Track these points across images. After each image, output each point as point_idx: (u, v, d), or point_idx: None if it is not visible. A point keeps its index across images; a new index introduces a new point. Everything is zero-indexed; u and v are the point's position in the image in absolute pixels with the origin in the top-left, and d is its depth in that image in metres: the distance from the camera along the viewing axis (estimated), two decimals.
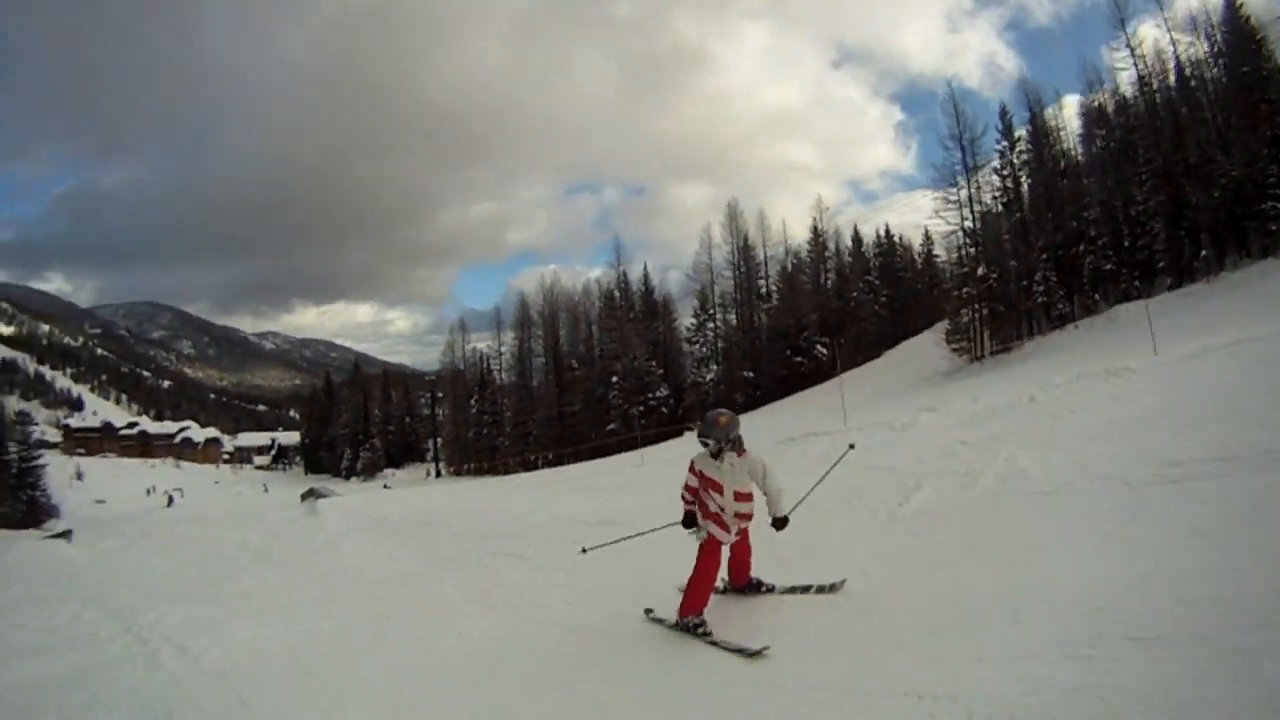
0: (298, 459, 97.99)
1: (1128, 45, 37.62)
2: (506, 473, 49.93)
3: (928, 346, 41.78)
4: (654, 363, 51.07)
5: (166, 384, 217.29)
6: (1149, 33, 37.56)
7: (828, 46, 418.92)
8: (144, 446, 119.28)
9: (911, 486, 7.95)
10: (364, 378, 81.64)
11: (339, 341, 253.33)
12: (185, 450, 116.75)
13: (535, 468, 47.83)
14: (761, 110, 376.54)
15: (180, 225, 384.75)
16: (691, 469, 5.46)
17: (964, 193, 41.03)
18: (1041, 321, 37.09)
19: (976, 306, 38.84)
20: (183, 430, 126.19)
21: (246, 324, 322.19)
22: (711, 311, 53.96)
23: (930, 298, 53.14)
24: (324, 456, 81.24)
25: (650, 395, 48.94)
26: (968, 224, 41.04)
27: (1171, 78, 36.90)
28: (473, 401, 62.21)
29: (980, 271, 38.67)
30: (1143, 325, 18.76)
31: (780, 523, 5.31)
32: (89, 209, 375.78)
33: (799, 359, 48.83)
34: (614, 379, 50.27)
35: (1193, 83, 35.92)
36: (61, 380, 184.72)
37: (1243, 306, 20.94)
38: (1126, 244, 35.18)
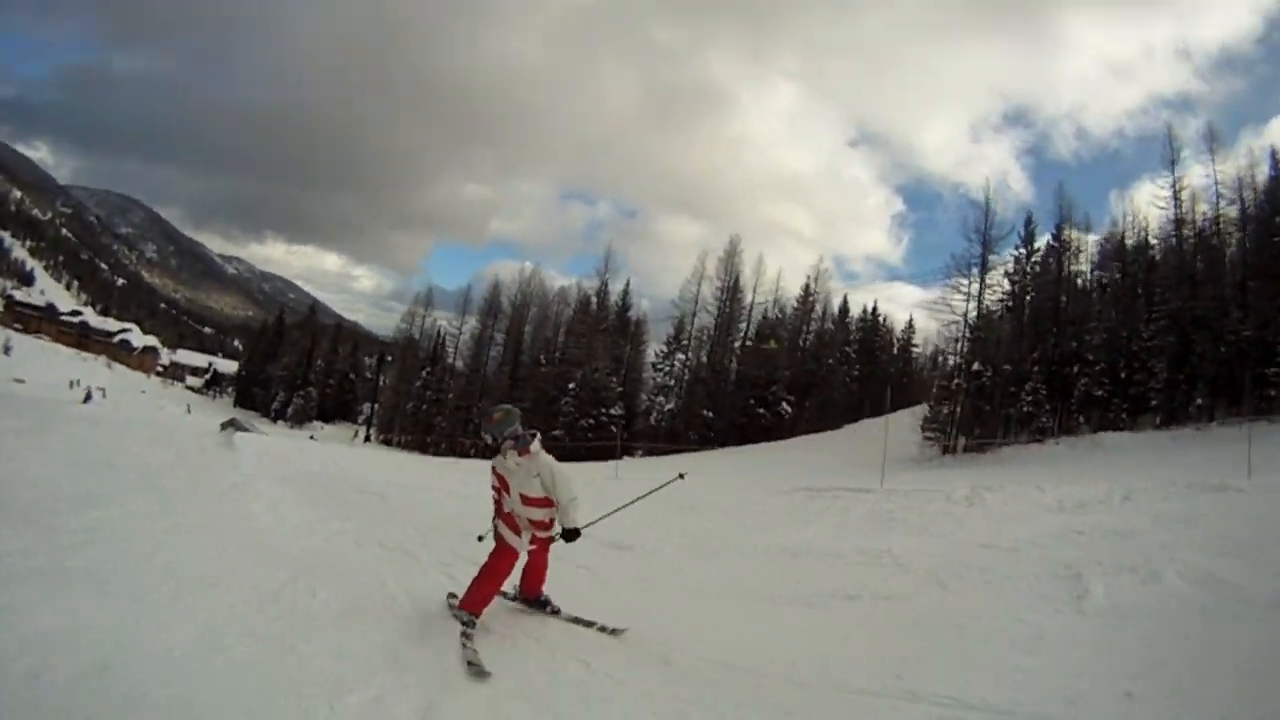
0: (230, 389, 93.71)
1: (1173, 187, 37.83)
2: (437, 453, 48.23)
3: (891, 429, 40.74)
4: (615, 379, 49.15)
5: (121, 281, 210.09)
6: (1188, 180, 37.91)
7: (849, 124, 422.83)
8: (82, 338, 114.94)
9: (1069, 574, 6.84)
10: (316, 324, 78.30)
11: (300, 284, 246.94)
12: (122, 352, 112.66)
13: (467, 455, 45.94)
14: (770, 168, 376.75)
15: (177, 125, 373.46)
16: (492, 469, 5.42)
17: (974, 286, 41.42)
18: (1017, 431, 36.70)
19: (962, 400, 38.39)
20: (124, 331, 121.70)
21: (215, 243, 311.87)
22: (685, 343, 52.24)
23: (900, 384, 52.31)
24: (257, 393, 77.70)
25: (603, 411, 46.98)
26: (971, 316, 41.16)
27: (1192, 227, 37.33)
28: (423, 374, 59.94)
29: (975, 366, 38.32)
30: (1129, 454, 18.53)
31: (569, 534, 5.15)
32: (93, 87, 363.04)
33: (762, 411, 47.63)
34: (570, 385, 48.22)
35: (1215, 240, 36.37)
36: (18, 250, 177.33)
37: (1234, 456, 20.30)
38: (1123, 375, 35.17)
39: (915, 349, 59.17)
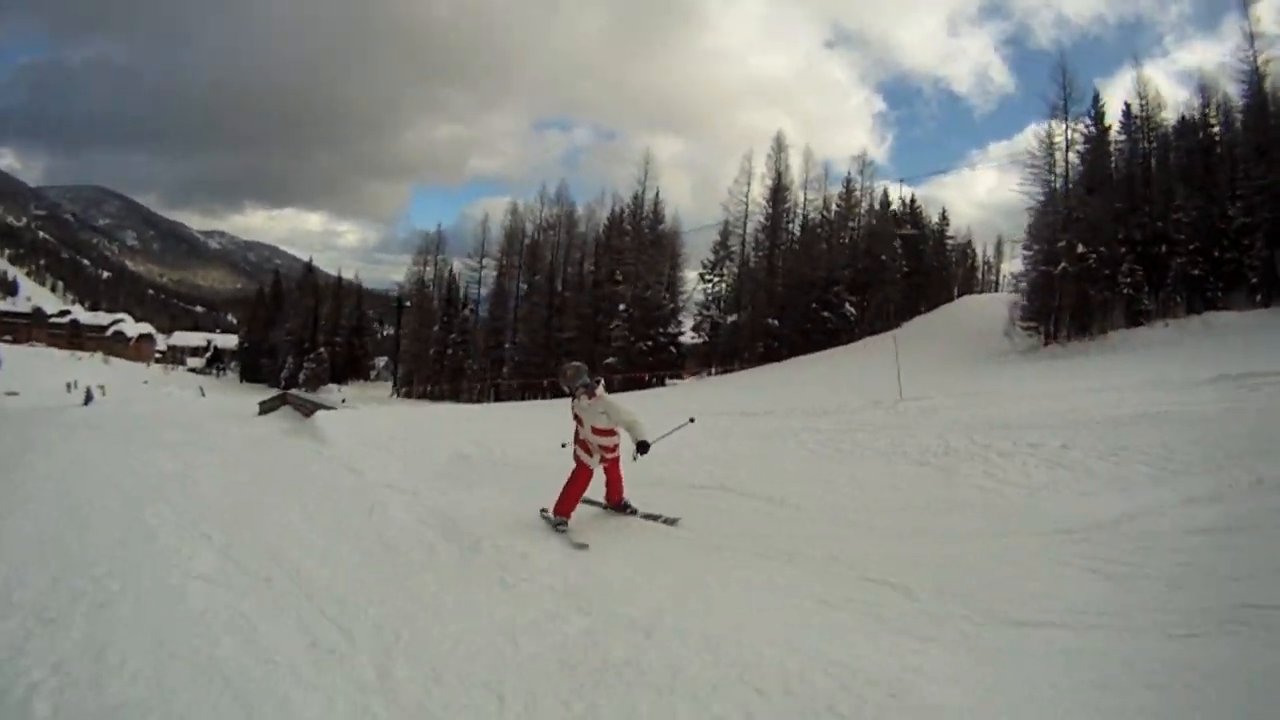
0: (233, 364, 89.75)
1: (1250, 35, 33.47)
2: (476, 400, 44.11)
3: (967, 322, 40.16)
4: (667, 295, 44.13)
5: (106, 275, 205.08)
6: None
7: (825, 25, 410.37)
8: (74, 337, 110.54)
9: None
10: (314, 283, 72.78)
11: (285, 249, 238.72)
12: (117, 345, 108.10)
13: (511, 397, 41.61)
14: (747, 76, 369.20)
15: (142, 109, 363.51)
16: (571, 409, 6.90)
17: (1059, 165, 37.47)
18: (1117, 315, 33.72)
19: (1062, 285, 34.80)
20: (116, 323, 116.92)
21: (195, 221, 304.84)
22: (734, 249, 47.05)
23: (940, 277, 52.55)
24: (264, 364, 73.31)
25: (661, 331, 42.17)
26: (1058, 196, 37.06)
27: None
28: (442, 319, 55.26)
29: (1080, 249, 34.32)
30: (1243, 333, 19.11)
31: (642, 447, 6.44)
32: (52, 84, 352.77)
33: (826, 314, 42.94)
34: (622, 307, 43.18)
35: None
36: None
37: None
38: (1216, 254, 32.89)
39: (951, 239, 56.54)
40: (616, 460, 6.83)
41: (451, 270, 58.02)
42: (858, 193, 48.97)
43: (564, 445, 7.07)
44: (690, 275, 48.18)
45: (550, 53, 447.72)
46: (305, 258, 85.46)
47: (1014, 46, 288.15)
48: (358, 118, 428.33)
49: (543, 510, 6.80)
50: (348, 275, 75.14)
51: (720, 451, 9.73)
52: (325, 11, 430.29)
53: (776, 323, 42.74)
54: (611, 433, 6.64)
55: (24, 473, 9.62)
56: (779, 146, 47.51)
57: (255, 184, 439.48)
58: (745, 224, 47.22)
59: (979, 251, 64.42)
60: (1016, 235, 42.50)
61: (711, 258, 47.10)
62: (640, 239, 47.32)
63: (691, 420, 7.73)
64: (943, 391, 14.53)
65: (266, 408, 19.48)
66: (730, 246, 47.07)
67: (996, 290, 58.03)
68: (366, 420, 15.80)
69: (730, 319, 44.08)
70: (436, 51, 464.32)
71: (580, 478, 6.66)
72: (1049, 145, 37.25)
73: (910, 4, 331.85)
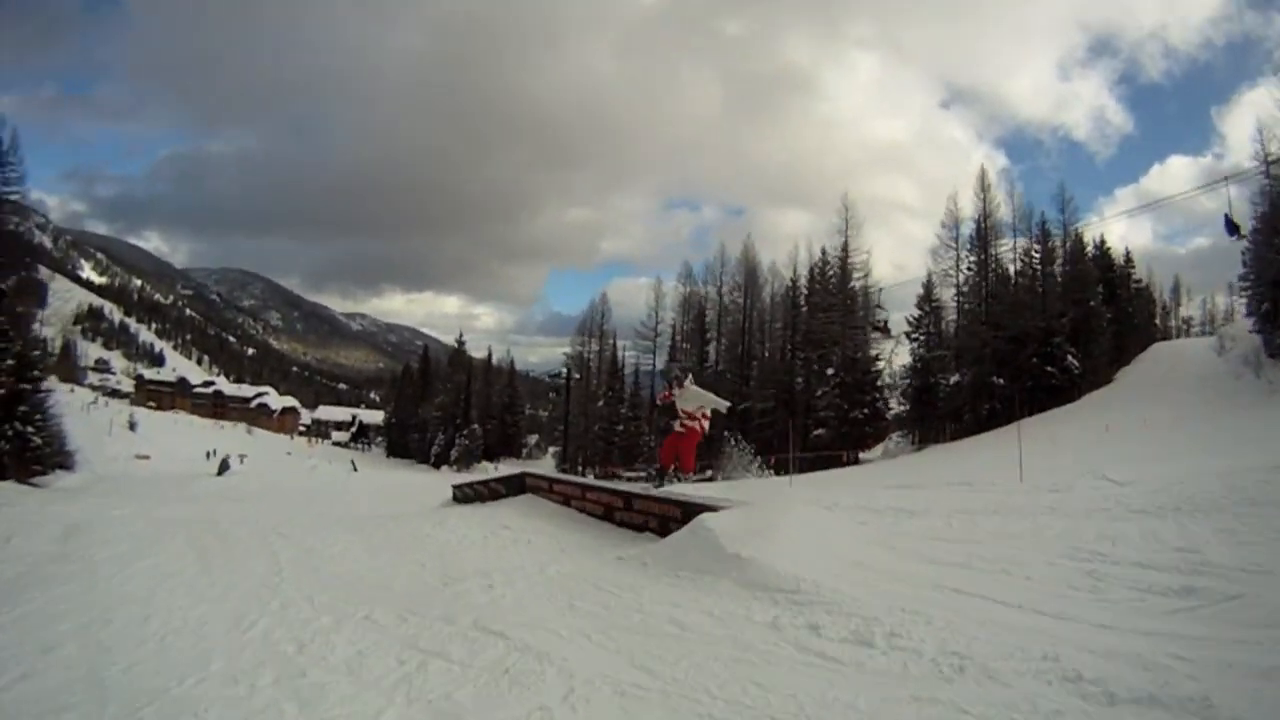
0: (379, 439, 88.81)
1: None
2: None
3: (1178, 369, 35.81)
4: (878, 356, 39.62)
5: (251, 351, 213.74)
6: None
7: (937, 85, 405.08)
8: (217, 407, 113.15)
9: None
10: (466, 360, 71.05)
11: (425, 330, 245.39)
12: (261, 416, 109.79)
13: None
14: (866, 143, 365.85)
15: (281, 198, 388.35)
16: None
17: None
18: None
19: None
20: (260, 395, 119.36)
21: (335, 302, 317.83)
22: (937, 302, 42.13)
23: (1141, 323, 47.88)
24: (412, 440, 71.78)
25: (870, 396, 37.60)
26: None
27: None
28: (605, 394, 52.03)
29: None
30: None
31: (730, 411, 10.09)
32: (193, 173, 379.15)
33: (1050, 369, 37.62)
34: (830, 371, 38.83)
35: None
36: (145, 334, 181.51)
37: None
38: None
39: (1137, 284, 50.51)
40: (693, 436, 9.38)
41: (615, 345, 55.26)
42: (1056, 235, 42.95)
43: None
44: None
45: (670, 132, 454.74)
46: (445, 339, 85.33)
47: (1127, 85, 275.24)
48: (489, 203, 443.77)
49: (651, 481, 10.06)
50: (483, 354, 73.55)
51: None
52: (451, 104, 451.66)
53: (1002, 381, 37.35)
54: (692, 416, 9.33)
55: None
56: (983, 186, 42.29)
57: (392, 268, 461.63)
58: (957, 272, 42.10)
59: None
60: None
61: (916, 313, 42.16)
62: (847, 295, 42.87)
63: None
64: None
65: (476, 494, 13.73)
66: (931, 301, 42.07)
67: (1187, 335, 54.60)
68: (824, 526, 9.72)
69: (953, 379, 38.91)
70: (560, 137, 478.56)
71: (668, 443, 9.78)
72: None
73: (1018, 52, 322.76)
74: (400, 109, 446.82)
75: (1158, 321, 57.83)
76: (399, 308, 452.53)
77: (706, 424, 9.59)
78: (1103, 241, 45.73)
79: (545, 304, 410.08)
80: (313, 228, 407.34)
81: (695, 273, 50.67)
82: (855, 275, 42.98)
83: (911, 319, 41.86)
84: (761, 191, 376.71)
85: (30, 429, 23.80)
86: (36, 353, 31.24)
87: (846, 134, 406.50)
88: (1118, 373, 39.66)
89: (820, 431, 37.82)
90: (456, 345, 71.19)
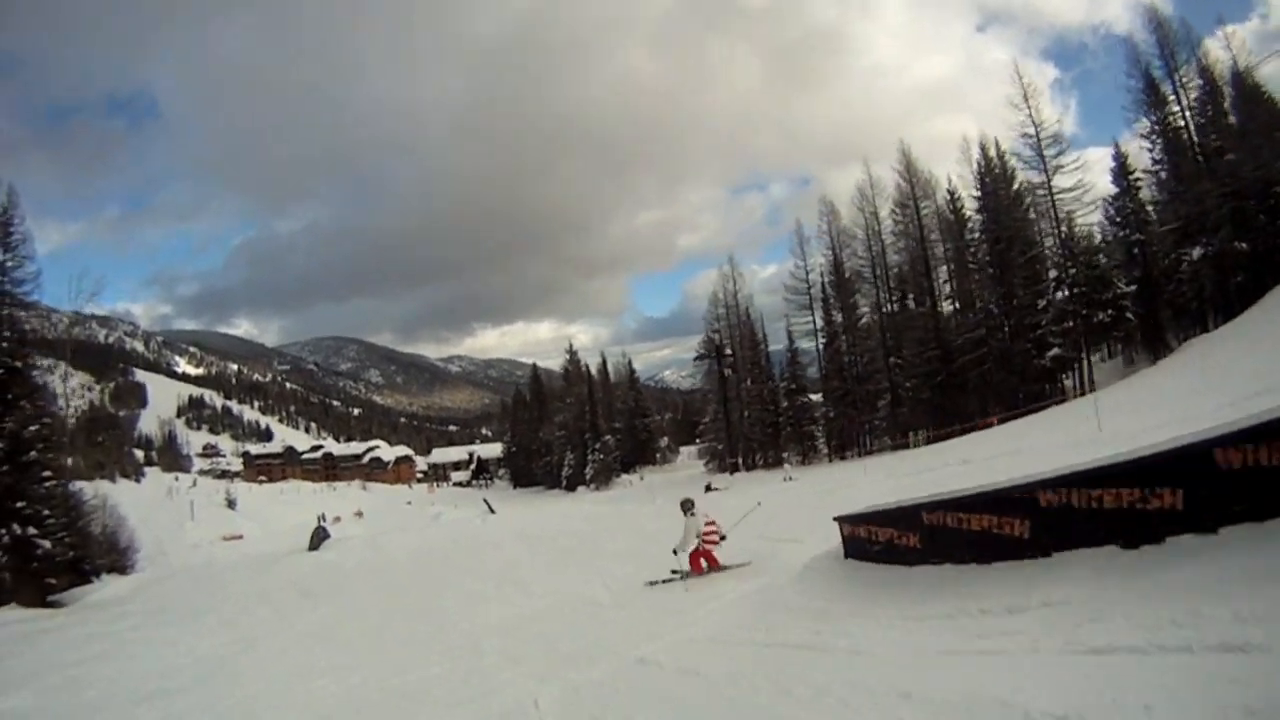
0: (501, 472, 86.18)
1: None
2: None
3: None
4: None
5: (356, 411, 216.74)
6: None
7: (969, 10, 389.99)
8: (329, 469, 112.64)
9: None
10: (583, 367, 66.67)
11: (523, 360, 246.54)
12: (375, 470, 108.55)
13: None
14: (912, 85, 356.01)
15: (356, 261, 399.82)
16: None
17: None
18: None
19: None
20: (371, 450, 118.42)
21: (430, 350, 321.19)
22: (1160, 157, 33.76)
23: None
24: (537, 466, 68.25)
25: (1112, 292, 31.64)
26: None
27: None
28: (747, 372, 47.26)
29: None
30: None
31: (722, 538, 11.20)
32: (268, 255, 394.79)
33: None
34: (1053, 275, 33.07)
35: None
36: (249, 413, 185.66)
37: None
38: None
39: None
40: (712, 546, 11.03)
41: (750, 316, 49.26)
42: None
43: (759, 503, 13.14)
44: None
45: (719, 116, 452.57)
46: (544, 364, 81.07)
47: None
48: (561, 223, 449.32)
49: (682, 577, 10.80)
50: (595, 362, 68.66)
51: None
52: (502, 134, 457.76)
53: (1245, 245, 29.60)
54: (709, 532, 11.06)
55: None
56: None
57: (479, 306, 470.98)
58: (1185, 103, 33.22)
59: None
60: None
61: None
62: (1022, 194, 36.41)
63: (758, 504, 13.20)
64: None
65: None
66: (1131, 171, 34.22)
67: None
68: None
69: (1195, 253, 30.47)
70: (613, 144, 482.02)
71: (698, 556, 10.99)
72: None
73: None
74: (452, 148, 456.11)
75: None
76: (493, 343, 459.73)
77: (722, 529, 11.16)
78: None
79: (635, 311, 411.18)
80: (394, 283, 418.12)
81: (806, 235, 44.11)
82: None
83: (1108, 199, 34.47)
84: (822, 157, 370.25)
85: (34, 530, 19.34)
86: (137, 450, 27.16)
87: (890, 80, 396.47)
88: None
89: (1055, 351, 31.90)
90: (568, 355, 67.14)
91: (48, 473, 20.67)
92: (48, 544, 19.31)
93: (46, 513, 19.76)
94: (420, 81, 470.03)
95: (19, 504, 19.09)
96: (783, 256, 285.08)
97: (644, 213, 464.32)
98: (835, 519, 8.70)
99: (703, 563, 10.94)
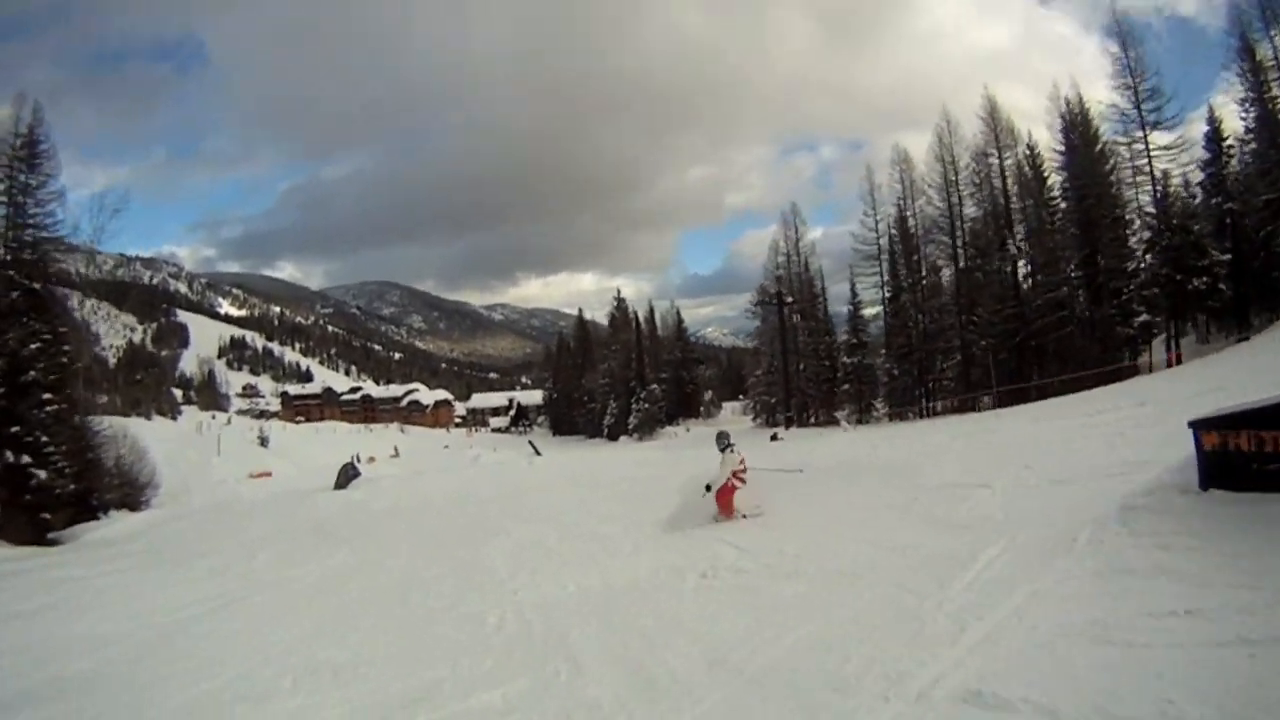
0: (541, 419, 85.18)
1: None
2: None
3: None
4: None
5: (398, 355, 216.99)
6: None
7: None
8: (367, 411, 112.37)
9: None
10: (633, 316, 63.88)
11: (566, 310, 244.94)
12: (413, 414, 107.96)
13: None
14: (970, 52, 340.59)
15: (403, 207, 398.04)
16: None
17: None
18: None
19: None
20: (410, 393, 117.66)
21: (474, 297, 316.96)
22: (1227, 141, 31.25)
23: None
24: (579, 414, 66.68)
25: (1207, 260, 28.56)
26: None
27: None
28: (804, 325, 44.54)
29: None
30: None
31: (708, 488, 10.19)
32: (314, 200, 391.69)
33: None
34: (1159, 246, 29.92)
35: None
36: (291, 355, 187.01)
37: None
38: None
39: None
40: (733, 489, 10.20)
41: (809, 265, 46.69)
42: None
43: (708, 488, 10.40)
44: None
45: (773, 77, 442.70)
46: (588, 314, 77.71)
47: None
48: (609, 177, 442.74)
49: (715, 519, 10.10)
50: (643, 312, 65.74)
51: None
52: (552, 89, 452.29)
53: None
54: (739, 472, 10.27)
55: None
56: None
57: (524, 256, 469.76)
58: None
59: None
60: None
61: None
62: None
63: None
64: None
65: None
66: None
67: None
68: None
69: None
70: (664, 100, 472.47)
71: (725, 494, 10.08)
72: None
73: None
74: (503, 102, 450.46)
75: None
76: (537, 293, 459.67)
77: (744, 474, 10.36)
78: None
79: (681, 267, 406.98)
80: (439, 230, 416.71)
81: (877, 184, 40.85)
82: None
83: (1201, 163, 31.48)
84: (876, 121, 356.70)
85: (29, 459, 17.79)
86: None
87: (948, 45, 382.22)
88: None
89: (1144, 318, 29.55)
90: (616, 302, 64.85)
91: (49, 395, 18.81)
92: (43, 474, 17.49)
93: (45, 439, 17.93)
94: (471, 33, 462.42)
95: (14, 428, 17.27)
96: (830, 220, 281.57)
97: (693, 169, 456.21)
98: (1191, 424, 5.61)
99: (734, 504, 9.98)
